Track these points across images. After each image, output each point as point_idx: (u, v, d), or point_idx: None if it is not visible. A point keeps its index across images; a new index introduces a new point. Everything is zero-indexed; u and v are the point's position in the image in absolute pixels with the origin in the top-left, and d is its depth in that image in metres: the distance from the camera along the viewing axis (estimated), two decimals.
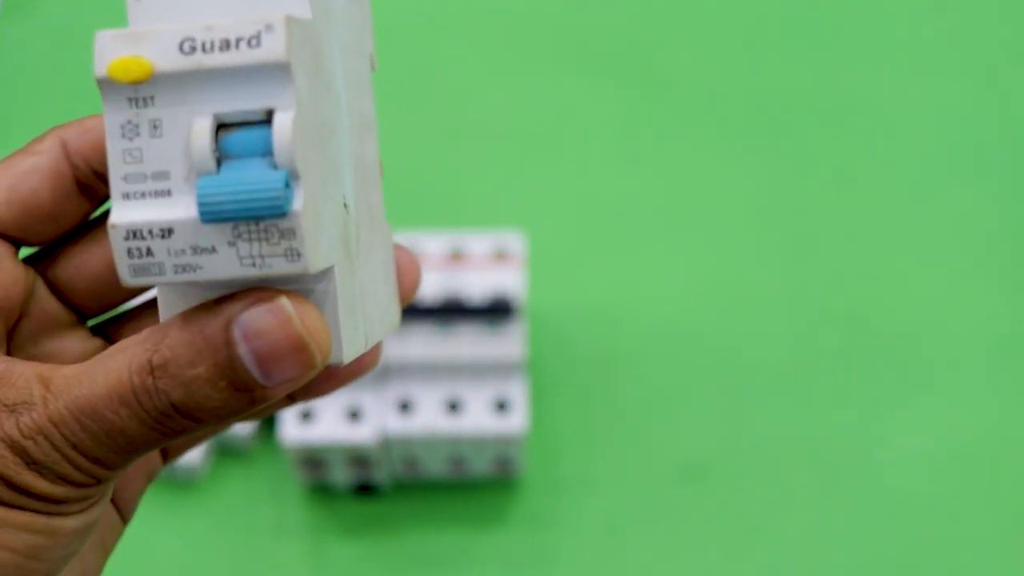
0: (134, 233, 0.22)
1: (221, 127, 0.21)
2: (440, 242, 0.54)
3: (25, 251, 0.27)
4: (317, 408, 0.51)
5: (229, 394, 0.22)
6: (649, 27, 0.72)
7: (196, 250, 0.21)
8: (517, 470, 0.54)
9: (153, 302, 0.29)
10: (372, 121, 0.27)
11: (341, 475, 0.53)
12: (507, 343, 0.51)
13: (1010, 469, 0.55)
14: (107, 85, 0.22)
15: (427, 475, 0.54)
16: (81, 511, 0.23)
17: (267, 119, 0.21)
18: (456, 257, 0.54)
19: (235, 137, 0.21)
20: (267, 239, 0.21)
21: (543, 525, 0.54)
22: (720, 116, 0.67)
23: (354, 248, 0.24)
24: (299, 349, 0.22)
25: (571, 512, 0.54)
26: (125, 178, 0.22)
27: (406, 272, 0.29)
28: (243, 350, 0.21)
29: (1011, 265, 0.61)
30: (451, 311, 0.52)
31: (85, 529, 0.24)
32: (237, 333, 0.22)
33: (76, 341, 0.27)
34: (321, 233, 0.22)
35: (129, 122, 0.22)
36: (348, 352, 0.24)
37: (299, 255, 0.21)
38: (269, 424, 0.55)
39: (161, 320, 0.23)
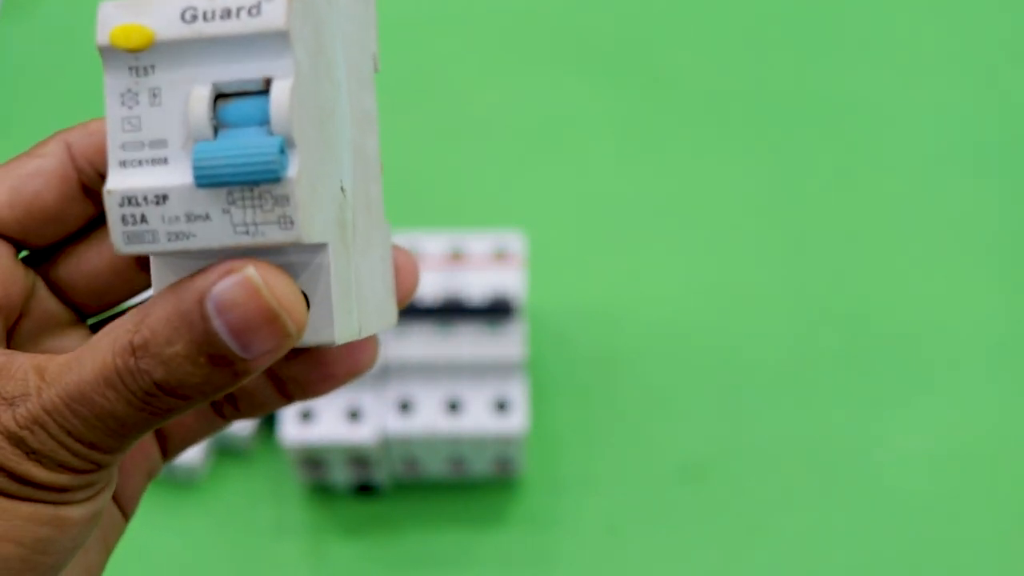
0: (129, 199, 0.22)
1: (220, 97, 0.22)
2: (440, 242, 0.54)
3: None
4: (317, 408, 0.51)
5: (210, 369, 0.22)
6: (649, 27, 0.72)
7: (190, 217, 0.22)
8: (517, 470, 0.54)
9: None
10: (373, 118, 0.27)
11: (341, 475, 0.53)
12: (507, 343, 0.51)
13: (1010, 469, 0.55)
14: (108, 52, 0.22)
15: (427, 475, 0.54)
16: (87, 499, 0.23)
17: (265, 89, 0.22)
18: (456, 257, 0.54)
19: (233, 106, 0.22)
20: (261, 206, 0.21)
21: (543, 525, 0.54)
22: (720, 116, 0.67)
23: (350, 235, 0.24)
24: (270, 319, 0.22)
25: (571, 512, 0.54)
26: (123, 146, 0.22)
27: (405, 273, 0.28)
28: (218, 324, 0.21)
29: (1011, 265, 0.61)
30: (451, 311, 0.52)
31: (91, 519, 0.24)
32: (210, 307, 0.21)
33: (76, 340, 0.27)
34: (316, 205, 0.22)
35: (129, 90, 0.22)
36: (340, 333, 0.24)
37: (292, 223, 0.21)
38: (269, 424, 0.55)
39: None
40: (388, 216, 0.28)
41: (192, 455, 0.53)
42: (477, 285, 0.52)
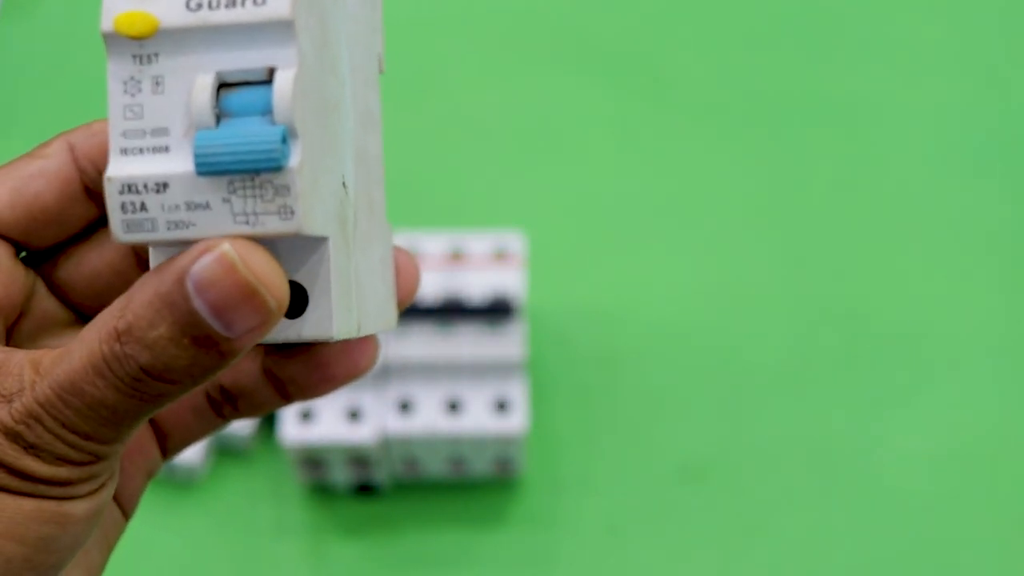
0: (129, 187, 0.22)
1: (223, 87, 0.22)
2: (440, 242, 0.54)
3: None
4: (317, 408, 0.51)
5: (195, 351, 0.22)
6: (649, 27, 0.72)
7: (190, 206, 0.21)
8: (517, 470, 0.54)
9: None
10: (377, 119, 0.27)
11: (341, 475, 0.53)
12: (507, 343, 0.51)
13: (1010, 469, 0.55)
14: (112, 39, 0.22)
15: (427, 475, 0.54)
16: (89, 494, 0.23)
17: (269, 79, 0.21)
18: (456, 257, 0.54)
19: (236, 96, 0.22)
20: (262, 196, 0.21)
21: (543, 525, 0.54)
22: (720, 116, 0.67)
23: (351, 232, 0.24)
24: (249, 295, 0.21)
25: (571, 512, 0.54)
26: (124, 134, 0.22)
27: (405, 275, 0.28)
28: (198, 303, 0.21)
29: (1011, 265, 0.61)
30: (451, 311, 0.52)
31: (93, 516, 0.24)
32: (190, 286, 0.21)
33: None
34: (317, 197, 0.22)
35: (132, 78, 0.22)
36: (338, 329, 0.24)
37: (292, 213, 0.21)
38: (269, 424, 0.55)
39: None
40: (389, 216, 0.28)
41: (192, 455, 0.53)
42: (477, 285, 0.52)
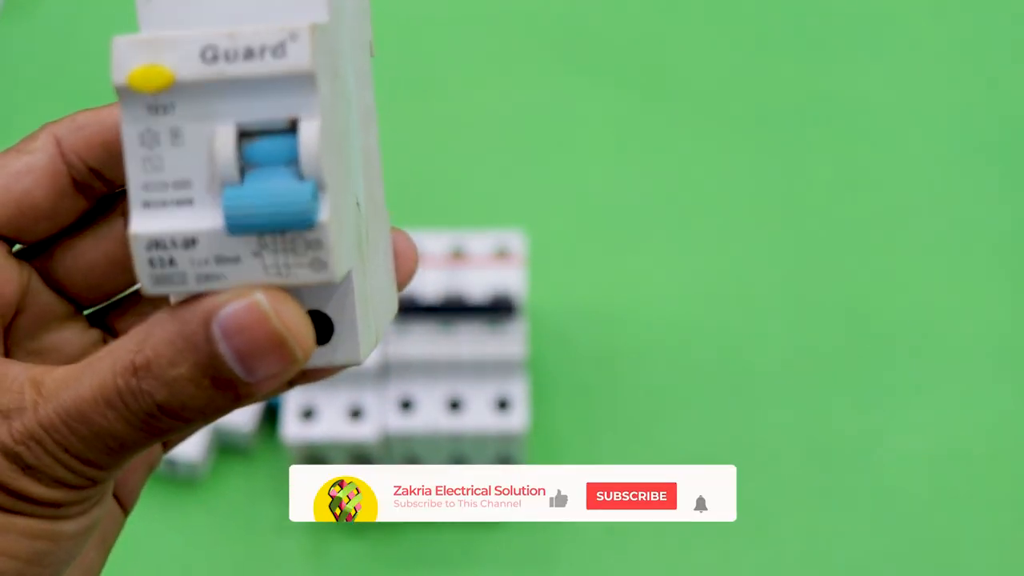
0: (156, 243, 0.21)
1: (243, 135, 0.21)
2: (441, 241, 0.54)
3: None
4: (319, 406, 0.51)
5: (213, 392, 0.22)
6: (649, 27, 0.72)
7: (220, 260, 0.21)
8: None
9: None
10: (373, 112, 0.27)
11: None
12: (508, 342, 0.51)
13: (1010, 469, 0.55)
14: (126, 93, 0.21)
15: None
16: (81, 513, 0.23)
17: (290, 128, 0.21)
18: (457, 256, 0.54)
19: (259, 146, 0.21)
20: (293, 250, 0.21)
21: (543, 525, 0.54)
22: (720, 115, 0.68)
23: (364, 247, 0.24)
24: (278, 345, 0.21)
25: None
26: (145, 186, 0.22)
27: (403, 257, 0.28)
28: (223, 348, 0.21)
29: (1012, 265, 0.61)
30: (452, 310, 0.52)
31: (86, 532, 0.24)
32: (216, 330, 0.21)
33: (74, 333, 0.27)
34: (343, 241, 0.22)
35: (148, 130, 0.21)
36: (364, 351, 0.24)
37: (325, 265, 0.21)
38: (271, 422, 0.55)
39: None
40: (389, 216, 0.28)
41: (193, 452, 0.53)
42: (478, 284, 0.53)
